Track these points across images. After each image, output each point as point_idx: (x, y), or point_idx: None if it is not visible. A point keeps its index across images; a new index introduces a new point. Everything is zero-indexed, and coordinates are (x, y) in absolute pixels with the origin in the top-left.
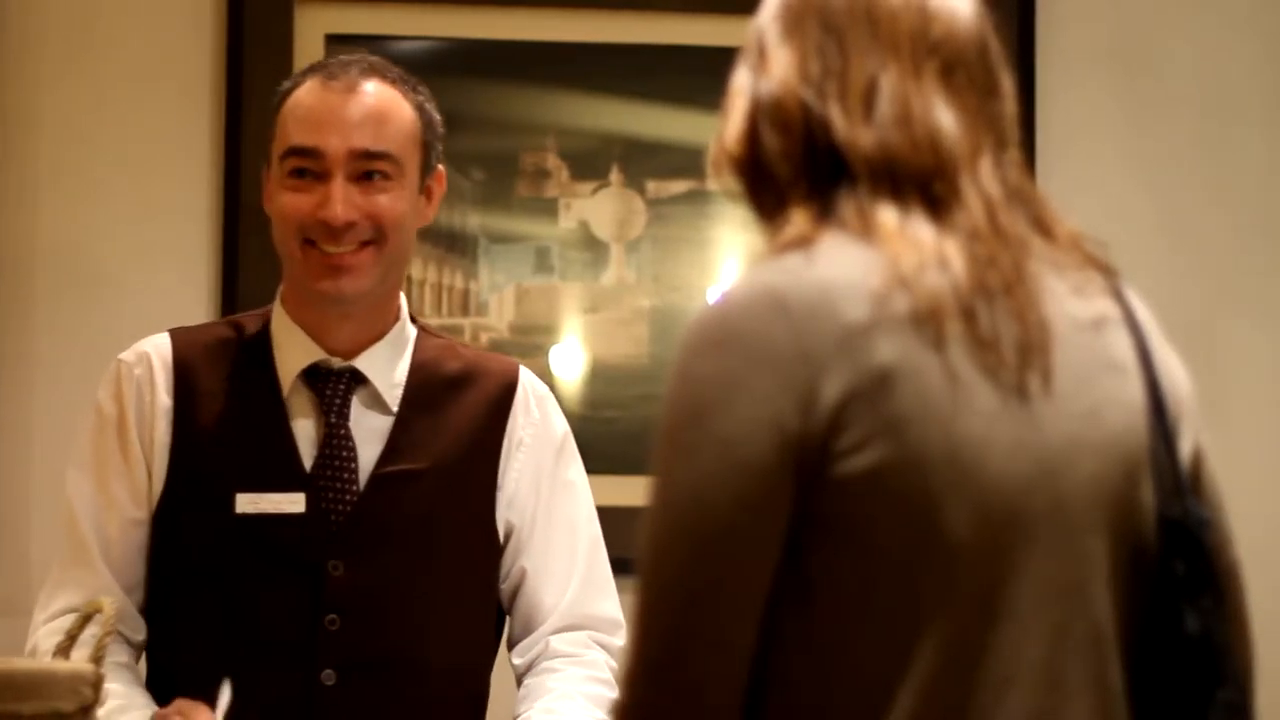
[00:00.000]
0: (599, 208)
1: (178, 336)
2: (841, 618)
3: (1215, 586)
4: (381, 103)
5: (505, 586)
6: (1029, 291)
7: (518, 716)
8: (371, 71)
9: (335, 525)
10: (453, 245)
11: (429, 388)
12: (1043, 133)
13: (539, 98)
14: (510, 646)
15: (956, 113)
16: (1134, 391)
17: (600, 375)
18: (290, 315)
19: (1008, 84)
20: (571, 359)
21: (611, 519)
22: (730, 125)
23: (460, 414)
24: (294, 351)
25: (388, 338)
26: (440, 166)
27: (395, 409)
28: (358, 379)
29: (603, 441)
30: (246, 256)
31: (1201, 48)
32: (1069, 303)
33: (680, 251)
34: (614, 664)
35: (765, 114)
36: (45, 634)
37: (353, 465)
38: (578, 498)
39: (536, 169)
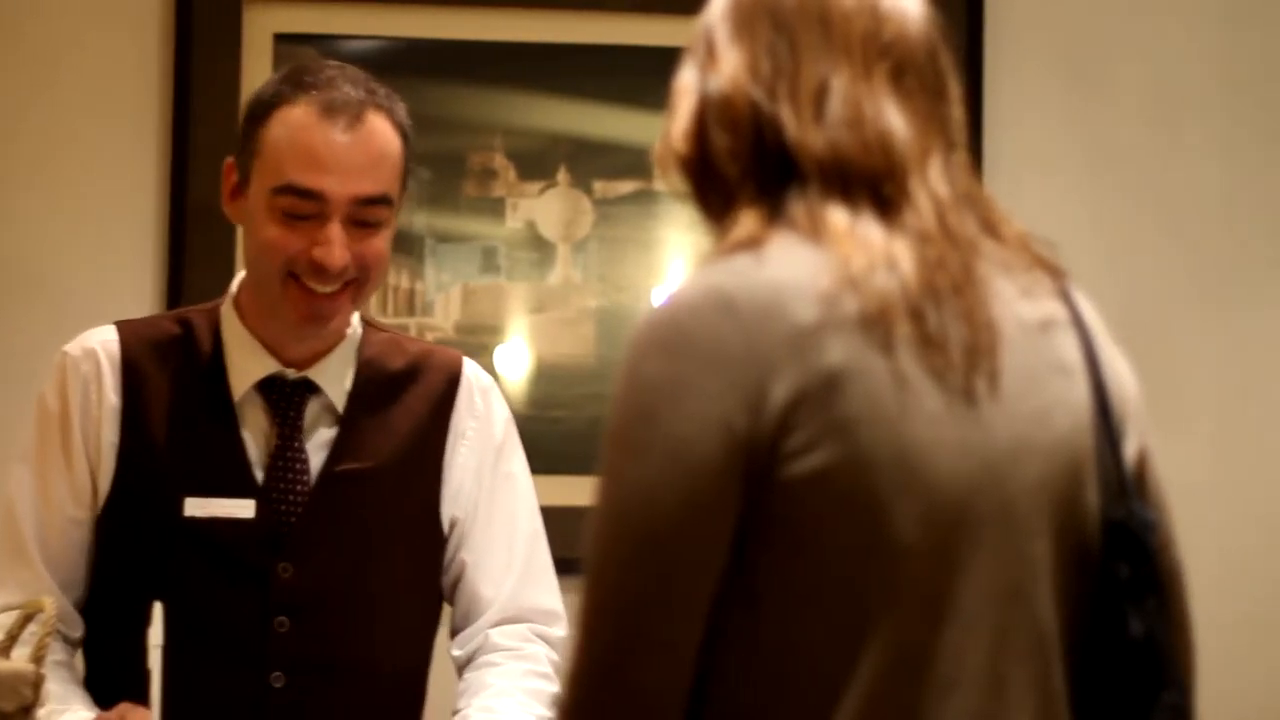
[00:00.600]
0: (546, 208)
1: (125, 331)
2: (788, 619)
3: (1159, 589)
4: (379, 142)
5: (446, 579)
6: (977, 293)
7: (456, 713)
8: (368, 100)
9: (285, 528)
10: (399, 245)
11: (374, 386)
12: (990, 137)
13: (486, 98)
14: (451, 637)
15: (907, 115)
16: (1080, 394)
17: (546, 375)
18: (246, 324)
19: (956, 88)
20: (517, 359)
21: (558, 519)
22: (677, 123)
23: (405, 410)
24: (248, 361)
25: (341, 347)
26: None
27: (342, 413)
28: (311, 389)
29: (548, 441)
30: (193, 258)
31: (1149, 53)
32: (1017, 304)
33: (627, 252)
34: (554, 656)
35: (714, 112)
36: None
37: (305, 476)
38: (518, 489)
39: (483, 169)
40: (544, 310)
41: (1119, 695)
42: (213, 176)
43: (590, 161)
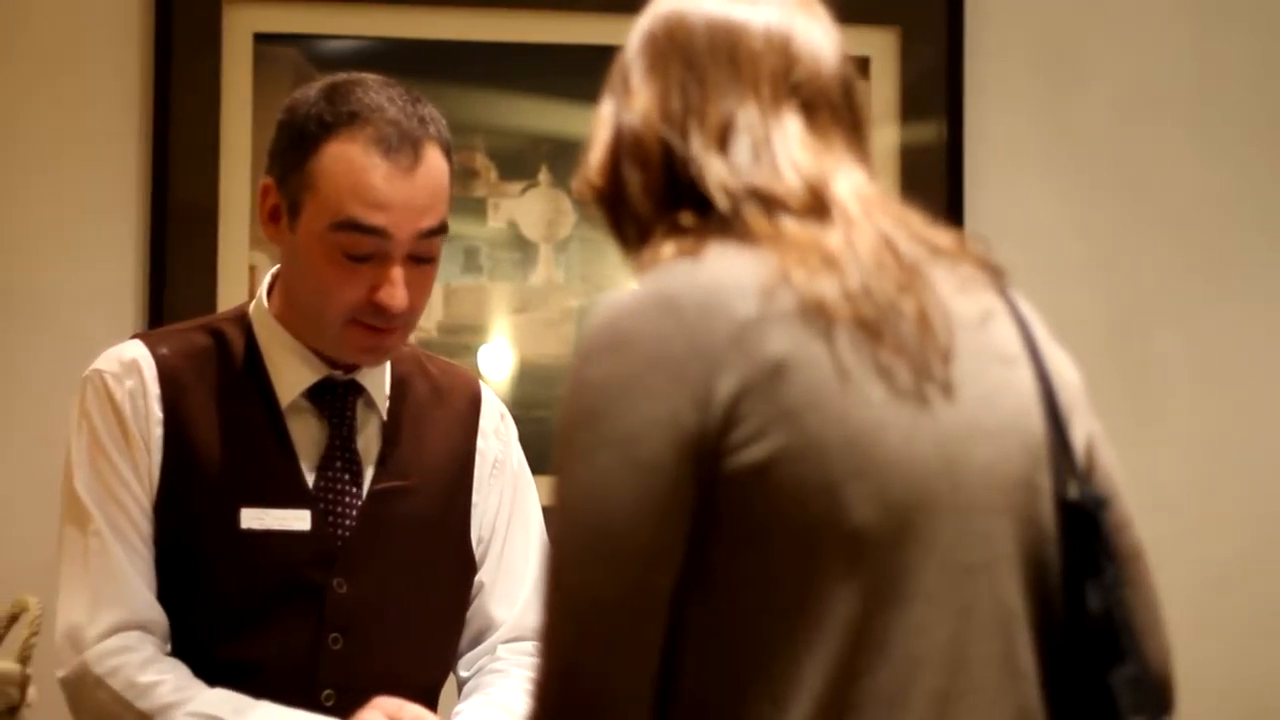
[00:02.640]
0: (527, 208)
1: (154, 345)
2: (747, 608)
3: (1116, 566)
4: (436, 175)
5: None
6: (914, 283)
7: (457, 713)
8: (420, 131)
9: (340, 542)
10: None
11: (409, 403)
12: (970, 142)
13: (467, 97)
14: (457, 658)
15: (820, 145)
16: (1025, 381)
17: (528, 375)
18: (286, 327)
19: (868, 127)
20: (500, 359)
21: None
22: (593, 156)
23: (437, 430)
24: (295, 367)
25: None
26: None
27: (385, 418)
28: (357, 390)
29: (531, 441)
30: (174, 258)
31: (1124, 57)
32: (955, 295)
33: (608, 252)
34: (534, 670)
35: (626, 148)
36: (98, 656)
37: (359, 479)
38: (531, 513)
39: (465, 169)
40: (526, 310)
41: (1082, 670)
42: (193, 176)
43: (572, 161)
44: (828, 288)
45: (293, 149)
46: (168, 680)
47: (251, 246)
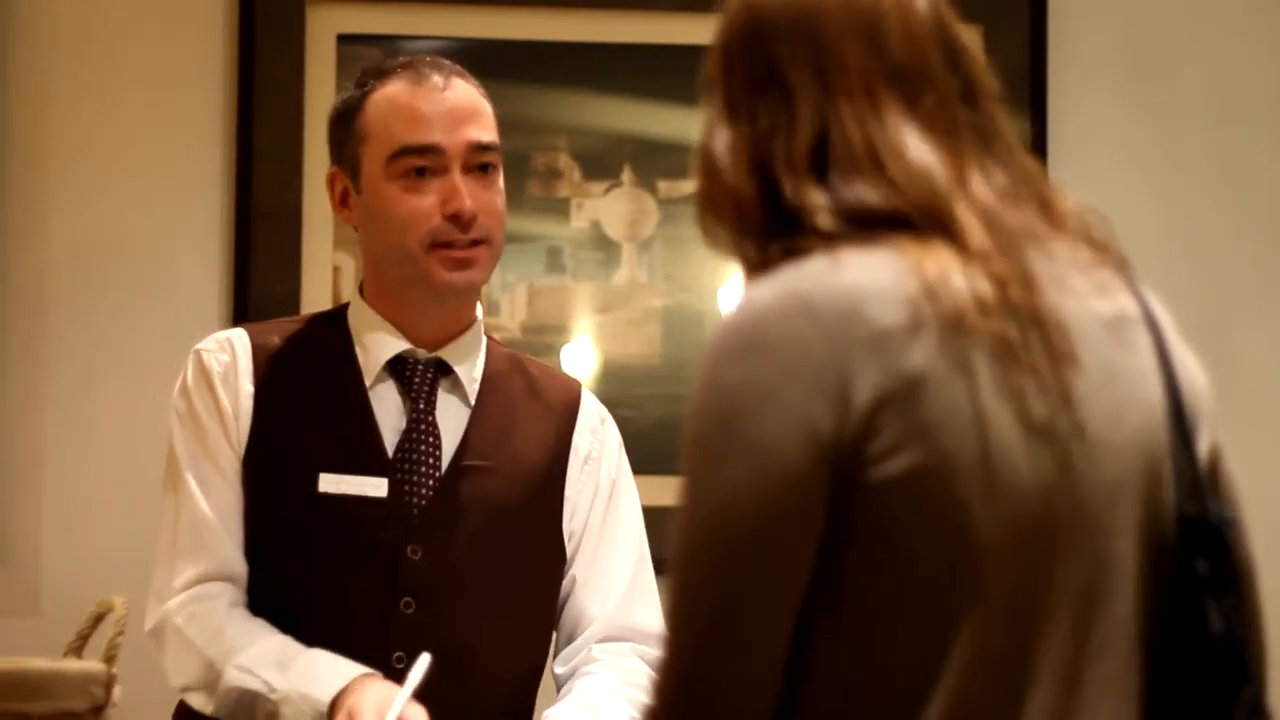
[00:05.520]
0: (611, 207)
1: (252, 329)
2: (873, 622)
3: (1236, 585)
4: (476, 97)
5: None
6: (1050, 294)
7: (546, 717)
8: (450, 68)
9: (416, 509)
10: None
11: (501, 393)
12: (1054, 140)
13: (550, 97)
14: (553, 655)
15: (929, 139)
16: (1153, 391)
17: (612, 375)
18: (375, 308)
19: (988, 89)
20: (583, 359)
21: None
22: (698, 183)
23: (530, 421)
24: (379, 342)
25: (470, 333)
26: None
27: (473, 402)
28: (443, 370)
29: None
30: (259, 255)
31: (1211, 53)
32: (1091, 301)
33: (692, 251)
34: (653, 674)
35: (718, 174)
36: (178, 605)
37: (437, 453)
38: (629, 513)
39: (548, 169)
40: (609, 310)
41: (1199, 692)
42: (277, 177)
43: (654, 161)
44: (965, 301)
45: (342, 123)
46: (232, 626)
47: (335, 248)
